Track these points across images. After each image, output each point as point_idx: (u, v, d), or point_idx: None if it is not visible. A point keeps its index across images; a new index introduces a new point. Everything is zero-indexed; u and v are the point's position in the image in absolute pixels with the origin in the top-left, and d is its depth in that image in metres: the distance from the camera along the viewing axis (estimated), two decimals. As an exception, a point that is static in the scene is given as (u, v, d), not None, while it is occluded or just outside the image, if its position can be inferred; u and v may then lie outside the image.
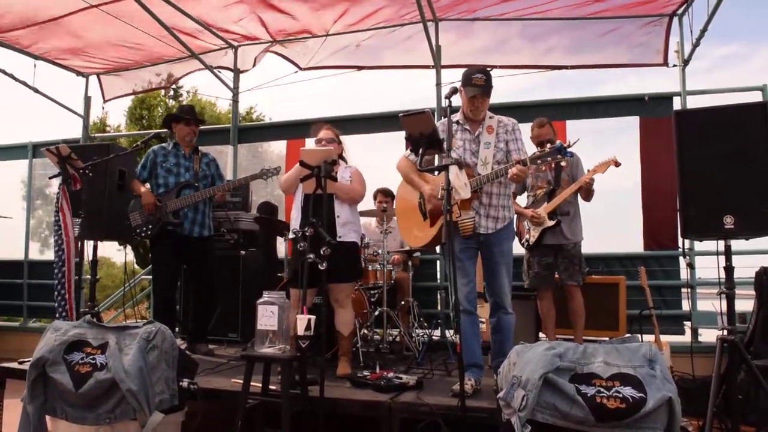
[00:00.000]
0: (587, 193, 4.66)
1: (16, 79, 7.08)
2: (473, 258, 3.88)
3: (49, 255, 7.66)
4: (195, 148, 5.30)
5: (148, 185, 5.13)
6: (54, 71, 7.56)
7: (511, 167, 3.56)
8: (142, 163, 5.21)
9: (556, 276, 4.77)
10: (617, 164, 4.56)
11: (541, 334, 5.01)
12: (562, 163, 4.42)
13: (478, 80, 3.72)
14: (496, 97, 5.89)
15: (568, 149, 3.49)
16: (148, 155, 5.21)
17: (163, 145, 5.29)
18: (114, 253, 20.88)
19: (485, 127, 3.86)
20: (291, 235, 4.17)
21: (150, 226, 5.01)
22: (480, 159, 3.79)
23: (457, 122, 3.92)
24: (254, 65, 7.49)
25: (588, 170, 4.64)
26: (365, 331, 5.17)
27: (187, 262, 5.24)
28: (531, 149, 4.62)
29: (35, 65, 7.23)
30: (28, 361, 3.25)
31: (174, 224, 5.01)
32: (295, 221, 4.21)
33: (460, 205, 3.70)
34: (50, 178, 5.26)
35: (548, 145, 3.60)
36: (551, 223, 4.61)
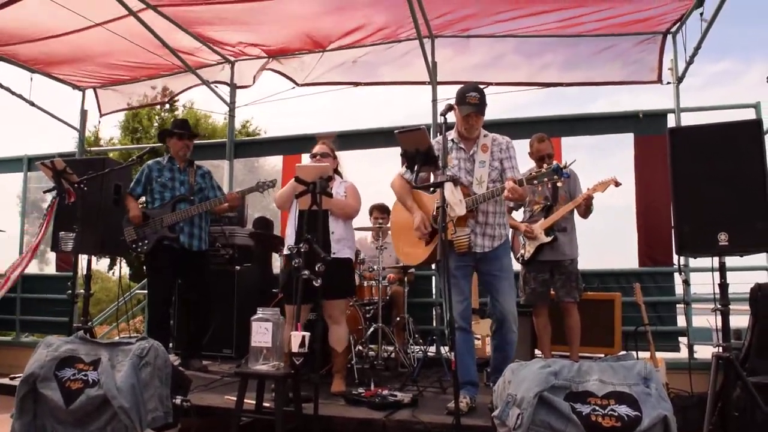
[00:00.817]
0: (586, 209, 4.65)
1: (12, 93, 7.07)
2: (468, 276, 3.88)
3: (43, 269, 7.66)
4: (190, 162, 5.30)
5: (142, 200, 5.12)
6: (50, 85, 7.57)
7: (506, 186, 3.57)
8: (137, 178, 5.19)
9: (552, 293, 4.76)
10: (617, 184, 4.56)
11: (536, 351, 4.99)
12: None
13: (472, 99, 3.73)
14: (492, 114, 5.92)
15: (565, 170, 3.50)
16: (143, 170, 5.19)
17: (158, 159, 5.29)
18: (107, 267, 20.77)
19: (480, 145, 3.86)
20: (286, 251, 4.17)
21: (146, 241, 4.98)
22: (475, 178, 3.80)
23: (452, 141, 3.92)
24: (254, 82, 7.51)
25: (588, 188, 4.63)
26: (360, 348, 5.15)
27: (183, 276, 5.22)
28: (530, 164, 4.66)
29: (32, 78, 7.22)
30: (20, 376, 3.24)
31: (170, 238, 4.99)
32: (290, 237, 4.21)
33: (456, 222, 3.70)
34: (45, 192, 5.26)
35: (545, 166, 3.60)
36: (548, 239, 4.60)
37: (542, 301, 4.74)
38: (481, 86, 6.48)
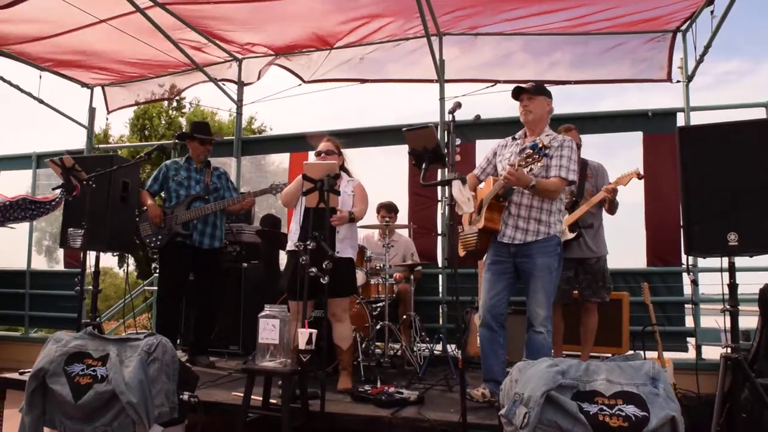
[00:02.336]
0: (611, 205, 4.56)
1: (21, 90, 7.13)
2: (505, 272, 3.79)
3: (52, 266, 7.70)
4: (207, 162, 5.39)
5: (159, 196, 5.23)
6: (59, 82, 7.63)
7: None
8: (154, 175, 5.33)
9: (575, 292, 4.68)
10: (640, 176, 4.49)
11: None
12: (587, 173, 4.36)
13: (524, 85, 3.81)
14: (500, 112, 5.94)
15: (544, 149, 3.44)
16: (161, 169, 5.32)
17: (177, 159, 5.43)
18: (115, 263, 20.91)
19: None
20: (291, 248, 4.16)
21: (159, 237, 5.09)
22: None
23: (514, 138, 3.95)
24: (259, 78, 7.53)
25: (609, 182, 4.57)
26: (367, 345, 5.15)
27: (194, 273, 5.28)
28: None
29: (41, 76, 7.28)
30: (29, 371, 3.26)
31: (183, 235, 5.07)
32: (294, 234, 4.20)
33: (487, 212, 3.71)
34: (54, 189, 5.28)
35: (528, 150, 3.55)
36: (571, 235, 4.46)
37: (561, 299, 4.54)
38: (489, 84, 6.57)
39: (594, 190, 4.67)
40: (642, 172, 4.52)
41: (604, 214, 4.74)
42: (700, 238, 3.39)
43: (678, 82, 6.08)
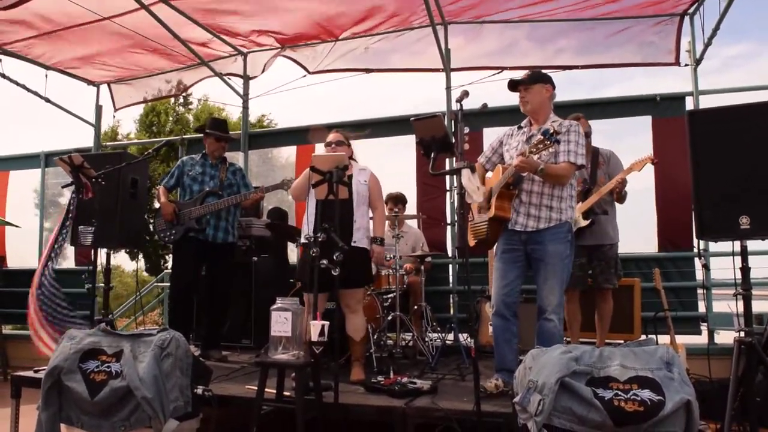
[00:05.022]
0: (620, 195, 4.53)
1: (28, 90, 7.16)
2: (517, 261, 3.79)
3: (62, 264, 7.74)
4: (222, 158, 5.43)
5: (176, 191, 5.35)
6: (65, 81, 7.65)
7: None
8: (171, 171, 5.43)
9: (589, 280, 4.66)
10: (654, 162, 4.45)
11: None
12: (599, 160, 4.38)
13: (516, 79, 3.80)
14: (505, 100, 5.91)
15: (555, 135, 3.43)
16: (178, 165, 5.41)
17: (193, 156, 5.48)
18: (124, 260, 20.99)
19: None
20: (303, 240, 4.17)
21: (173, 231, 5.14)
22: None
23: (519, 126, 3.94)
24: (263, 71, 7.53)
25: (623, 169, 4.54)
26: (378, 336, 5.17)
27: (207, 267, 5.31)
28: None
29: (47, 75, 7.31)
30: (43, 369, 3.29)
31: (196, 230, 5.10)
32: (307, 226, 4.21)
33: (497, 200, 3.72)
34: (63, 187, 5.31)
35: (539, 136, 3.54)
36: (585, 222, 4.46)
37: (576, 286, 4.56)
38: (495, 71, 6.54)
39: (606, 177, 4.65)
40: (654, 158, 4.49)
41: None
42: (712, 222, 3.37)
43: (686, 65, 6.04)
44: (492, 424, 3.12)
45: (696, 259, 5.78)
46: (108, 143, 10.95)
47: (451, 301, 6.45)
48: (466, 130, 3.39)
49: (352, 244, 4.10)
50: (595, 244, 4.57)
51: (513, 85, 3.84)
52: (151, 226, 5.36)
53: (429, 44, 6.55)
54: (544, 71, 3.94)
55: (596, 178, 4.63)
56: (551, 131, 3.38)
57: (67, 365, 3.17)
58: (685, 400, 2.40)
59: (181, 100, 20.03)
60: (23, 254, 8.42)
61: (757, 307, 3.90)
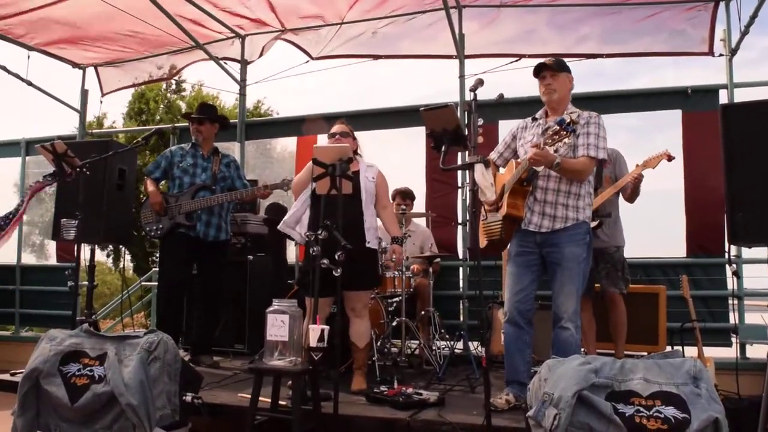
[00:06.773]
0: (633, 192, 4.53)
1: (8, 71, 7.16)
2: (531, 265, 3.79)
3: (44, 260, 7.78)
4: (215, 149, 5.39)
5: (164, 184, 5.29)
6: (49, 63, 7.65)
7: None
8: (156, 161, 5.35)
9: (597, 285, 4.67)
10: (670, 158, 4.42)
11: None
12: (606, 161, 4.34)
13: (546, 60, 3.80)
14: (524, 91, 5.89)
15: (570, 125, 3.42)
16: (165, 154, 5.34)
17: (182, 145, 5.43)
18: (110, 262, 21.05)
19: None
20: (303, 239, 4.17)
21: (160, 225, 5.10)
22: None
23: (534, 118, 3.93)
24: (261, 54, 7.52)
25: (637, 165, 4.51)
26: (382, 343, 5.16)
27: (198, 266, 5.28)
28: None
29: (29, 56, 7.30)
30: (21, 372, 3.30)
31: (185, 226, 5.07)
32: (303, 224, 4.21)
33: (508, 198, 3.71)
34: (45, 177, 5.33)
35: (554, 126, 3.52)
36: (593, 224, 4.40)
37: (587, 292, 4.48)
38: (513, 59, 6.51)
39: (612, 176, 4.67)
40: (672, 154, 4.48)
41: (621, 203, 4.73)
42: (746, 226, 3.35)
43: (720, 55, 6.00)
44: (503, 440, 3.13)
45: (727, 266, 5.75)
46: (94, 130, 10.93)
47: (461, 306, 6.44)
48: (480, 122, 3.39)
49: (366, 245, 4.12)
50: (600, 247, 4.56)
51: (539, 70, 3.83)
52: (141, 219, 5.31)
53: (441, 29, 6.53)
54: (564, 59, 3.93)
55: (602, 177, 4.64)
56: (567, 120, 3.36)
57: (46, 368, 3.18)
58: (713, 418, 2.39)
59: (173, 86, 20.08)
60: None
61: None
